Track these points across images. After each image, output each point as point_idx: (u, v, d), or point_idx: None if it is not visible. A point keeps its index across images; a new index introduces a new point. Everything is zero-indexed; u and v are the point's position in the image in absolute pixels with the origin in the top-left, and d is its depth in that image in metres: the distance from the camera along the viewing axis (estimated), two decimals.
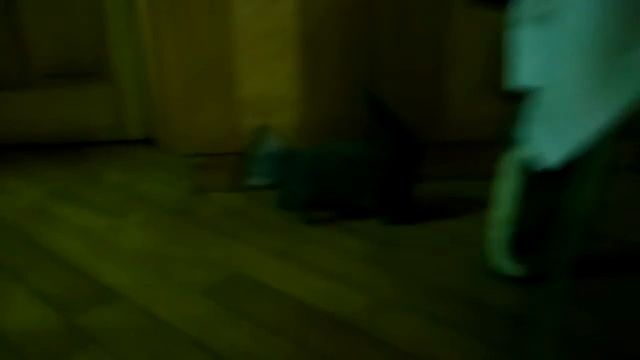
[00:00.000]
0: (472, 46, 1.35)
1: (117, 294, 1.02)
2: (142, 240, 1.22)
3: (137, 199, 1.46)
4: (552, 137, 0.53)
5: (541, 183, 0.87)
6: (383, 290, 1.00)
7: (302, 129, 1.41)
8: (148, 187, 1.54)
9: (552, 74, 0.53)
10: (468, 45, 1.35)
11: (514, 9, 0.59)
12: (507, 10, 0.66)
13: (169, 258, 1.14)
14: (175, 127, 1.38)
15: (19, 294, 1.03)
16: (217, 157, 1.44)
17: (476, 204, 1.32)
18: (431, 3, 1.33)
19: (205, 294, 1.00)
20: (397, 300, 0.96)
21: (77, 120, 1.93)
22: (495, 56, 1.33)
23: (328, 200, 1.27)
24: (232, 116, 1.40)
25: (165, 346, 0.86)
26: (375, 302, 0.96)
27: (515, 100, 0.69)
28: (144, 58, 1.86)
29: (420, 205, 1.34)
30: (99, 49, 1.87)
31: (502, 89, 1.32)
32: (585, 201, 0.59)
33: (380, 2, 1.32)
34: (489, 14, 1.30)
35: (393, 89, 1.38)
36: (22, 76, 1.89)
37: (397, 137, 1.21)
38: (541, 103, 0.55)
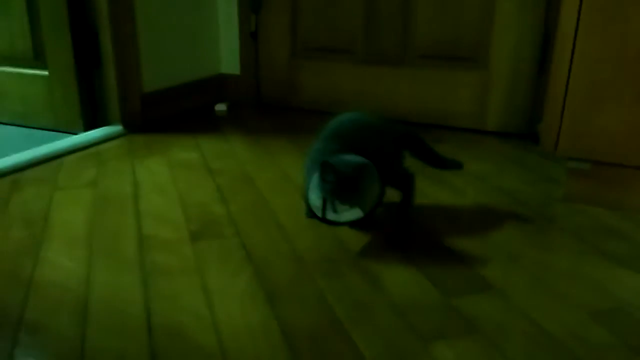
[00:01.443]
0: None
1: (492, 286, 1.00)
2: (511, 238, 1.18)
3: (498, 191, 1.43)
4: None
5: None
6: None
7: None
8: (509, 182, 1.49)
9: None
10: None
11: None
12: None
13: (543, 265, 1.07)
14: (567, 126, 1.27)
15: (398, 260, 1.10)
16: (608, 167, 1.28)
17: None
18: None
19: (593, 318, 0.91)
20: None
21: (439, 103, 2.00)
22: None
23: None
24: None
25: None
26: None
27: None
28: (525, 46, 1.80)
29: None
30: (481, 32, 1.88)
31: None
32: None
33: None
34: None
35: None
36: (401, 54, 2.03)
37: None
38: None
